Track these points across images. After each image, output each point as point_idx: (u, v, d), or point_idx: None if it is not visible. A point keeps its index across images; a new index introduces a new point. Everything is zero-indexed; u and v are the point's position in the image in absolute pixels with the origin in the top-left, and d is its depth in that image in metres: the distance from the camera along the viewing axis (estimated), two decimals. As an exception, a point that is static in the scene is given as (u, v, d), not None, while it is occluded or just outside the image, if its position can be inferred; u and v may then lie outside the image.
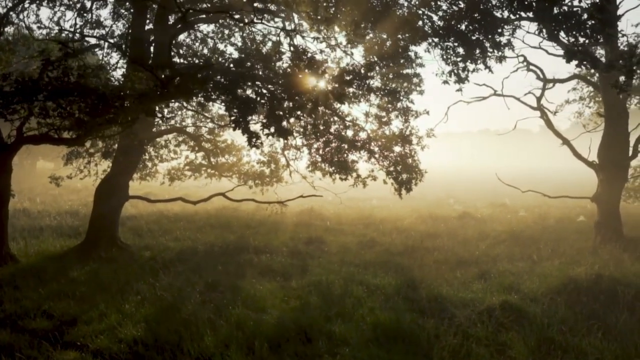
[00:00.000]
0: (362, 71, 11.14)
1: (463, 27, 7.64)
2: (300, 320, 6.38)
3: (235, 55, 12.76)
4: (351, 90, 11.73)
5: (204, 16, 11.05)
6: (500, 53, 7.67)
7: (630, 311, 6.31)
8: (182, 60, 14.51)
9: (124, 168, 11.33)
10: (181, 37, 16.46)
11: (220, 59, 12.08)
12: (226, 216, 16.84)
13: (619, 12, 12.29)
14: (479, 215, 16.65)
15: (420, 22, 7.92)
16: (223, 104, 6.90)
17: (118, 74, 13.36)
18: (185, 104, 12.13)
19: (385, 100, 11.69)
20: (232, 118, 5.45)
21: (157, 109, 6.33)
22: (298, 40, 19.44)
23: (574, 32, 6.16)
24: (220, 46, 16.06)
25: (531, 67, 14.06)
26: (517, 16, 6.71)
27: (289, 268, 10.09)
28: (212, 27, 15.34)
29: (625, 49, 14.54)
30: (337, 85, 10.57)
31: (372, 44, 11.98)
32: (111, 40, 13.81)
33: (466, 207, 19.75)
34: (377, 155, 11.84)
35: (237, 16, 10.92)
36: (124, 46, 13.00)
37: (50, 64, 5.97)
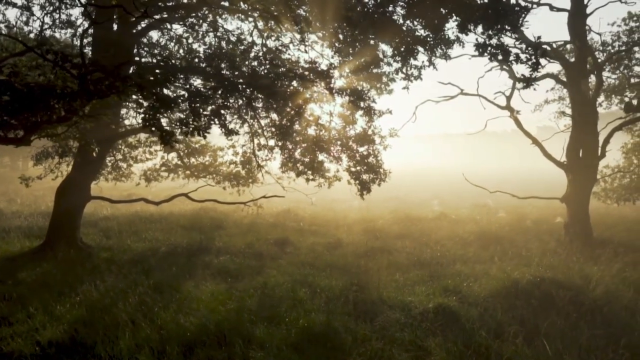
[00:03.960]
0: (323, 69, 11.05)
1: (408, 22, 7.44)
2: (224, 323, 6.24)
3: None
4: (314, 89, 11.65)
5: (165, 15, 10.93)
6: (446, 49, 7.46)
7: (559, 314, 6.11)
8: (153, 60, 14.45)
9: (84, 168, 11.25)
10: (155, 37, 16.44)
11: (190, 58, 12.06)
12: (201, 217, 16.75)
13: (589, 10, 12.13)
14: (454, 216, 16.42)
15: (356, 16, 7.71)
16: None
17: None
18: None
19: (348, 100, 11.54)
20: (142, 116, 5.35)
21: (80, 107, 6.19)
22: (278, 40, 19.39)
23: (483, 24, 5.96)
24: (195, 46, 16.03)
25: (504, 66, 13.88)
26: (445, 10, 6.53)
27: (244, 269, 9.96)
28: (184, 27, 15.25)
29: (601, 46, 14.34)
30: (297, 85, 10.48)
31: (335, 42, 11.83)
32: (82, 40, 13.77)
33: (447, 208, 19.54)
34: (340, 155, 11.71)
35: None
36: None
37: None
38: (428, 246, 11.52)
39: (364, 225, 15.03)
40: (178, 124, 6.09)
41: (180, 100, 6.14)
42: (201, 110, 6.22)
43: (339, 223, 15.69)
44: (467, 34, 6.32)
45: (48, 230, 11.41)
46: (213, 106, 6.67)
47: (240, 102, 7.73)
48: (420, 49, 7.31)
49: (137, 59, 13.24)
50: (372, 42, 11.29)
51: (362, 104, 11.72)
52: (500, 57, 6.09)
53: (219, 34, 15.56)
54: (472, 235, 12.84)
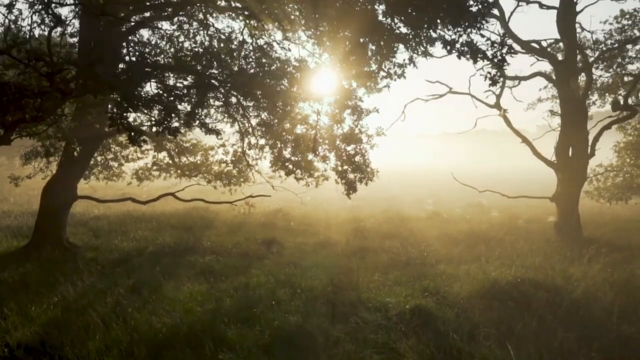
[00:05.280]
0: (309, 67, 11.03)
1: (388, 19, 7.34)
2: (197, 324, 6.18)
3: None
4: (302, 87, 11.59)
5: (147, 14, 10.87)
6: (427, 47, 7.35)
7: (535, 316, 6.02)
8: (146, 59, 14.37)
9: (69, 168, 11.20)
10: (145, 35, 16.35)
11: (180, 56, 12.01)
12: (192, 216, 16.70)
13: (578, 7, 12.01)
14: (445, 215, 16.32)
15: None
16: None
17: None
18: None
19: (335, 99, 11.48)
20: (109, 115, 5.27)
21: (54, 106, 6.14)
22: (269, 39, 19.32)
23: (449, 22, 5.86)
24: (186, 44, 15.95)
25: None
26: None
27: (229, 270, 9.90)
28: (173, 25, 15.16)
29: (593, 45, 14.20)
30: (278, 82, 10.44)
31: (326, 40, 11.75)
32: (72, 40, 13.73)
33: (441, 207, 19.44)
34: (327, 154, 11.65)
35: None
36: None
37: None
38: (415, 246, 11.44)
39: (355, 224, 14.96)
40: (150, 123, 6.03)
41: (153, 99, 6.06)
42: (174, 109, 6.14)
43: (330, 222, 15.63)
44: (434, 31, 6.21)
45: (34, 230, 11.37)
46: (190, 105, 6.60)
47: (217, 101, 7.64)
48: (401, 46, 7.21)
49: (127, 58, 13.16)
50: (361, 40, 11.21)
51: (348, 103, 11.68)
52: (468, 55, 5.98)
53: (210, 32, 15.47)
54: (461, 234, 12.75)
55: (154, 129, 6.01)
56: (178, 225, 15.13)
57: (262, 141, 13.68)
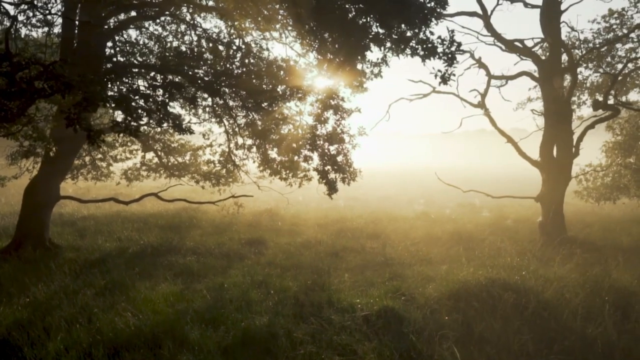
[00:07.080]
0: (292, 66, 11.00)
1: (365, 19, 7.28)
2: (161, 325, 6.14)
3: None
4: (284, 88, 11.55)
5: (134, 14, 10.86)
6: (399, 47, 7.28)
7: (500, 318, 5.94)
8: (130, 59, 14.37)
9: (50, 168, 11.19)
10: (134, 35, 16.36)
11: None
12: (180, 216, 16.66)
13: (563, 6, 11.91)
14: (433, 215, 16.23)
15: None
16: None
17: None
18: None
19: (317, 98, 11.44)
20: (65, 115, 5.23)
21: (23, 107, 6.10)
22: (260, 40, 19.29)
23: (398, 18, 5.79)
24: (175, 44, 15.94)
25: (481, 64, 13.68)
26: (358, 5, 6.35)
27: (208, 270, 9.86)
28: (157, 25, 15.14)
29: (583, 44, 14.07)
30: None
31: (311, 40, 11.70)
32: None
33: (432, 207, 19.34)
34: (310, 154, 11.61)
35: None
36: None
37: None
38: (396, 246, 11.37)
39: (342, 224, 14.90)
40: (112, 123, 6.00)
41: (118, 99, 6.03)
42: (136, 109, 6.10)
43: (318, 222, 15.56)
44: (389, 30, 6.14)
45: (15, 230, 11.36)
46: (156, 104, 6.56)
47: (184, 100, 7.59)
48: (374, 45, 7.15)
49: (114, 59, 13.13)
50: (343, 39, 11.15)
51: (331, 102, 11.63)
52: (421, 53, 5.90)
53: (198, 32, 15.42)
54: (445, 234, 12.67)
55: (115, 128, 5.97)
56: (165, 225, 15.09)
57: (249, 141, 13.69)
